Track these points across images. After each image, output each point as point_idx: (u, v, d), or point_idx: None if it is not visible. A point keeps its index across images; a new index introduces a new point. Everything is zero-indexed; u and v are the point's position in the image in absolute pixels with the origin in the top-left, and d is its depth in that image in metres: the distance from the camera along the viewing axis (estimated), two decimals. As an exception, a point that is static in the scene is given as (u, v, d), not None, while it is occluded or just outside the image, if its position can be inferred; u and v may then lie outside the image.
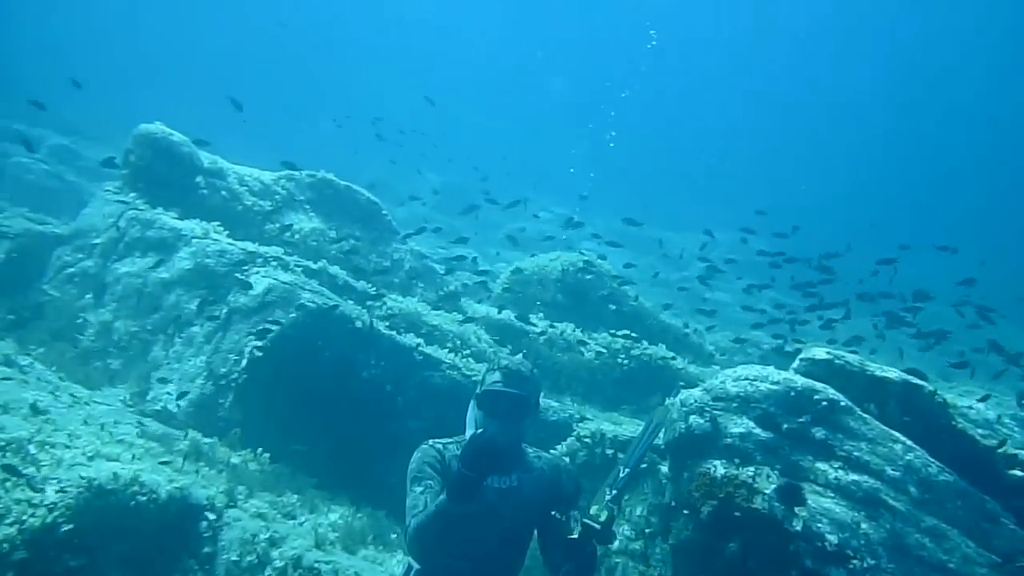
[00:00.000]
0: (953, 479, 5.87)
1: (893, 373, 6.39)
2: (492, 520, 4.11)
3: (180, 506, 6.66)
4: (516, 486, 4.27)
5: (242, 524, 6.73)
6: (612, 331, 12.63)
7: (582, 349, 12.07)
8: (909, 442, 5.96)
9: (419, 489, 4.06)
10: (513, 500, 4.17)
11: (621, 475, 4.32)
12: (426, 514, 3.84)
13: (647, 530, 7.03)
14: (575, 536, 3.86)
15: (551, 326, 12.31)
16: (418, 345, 9.55)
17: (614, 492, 4.14)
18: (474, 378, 9.49)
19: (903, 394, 6.32)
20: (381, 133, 23.38)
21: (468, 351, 10.29)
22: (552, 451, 8.78)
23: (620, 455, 7.99)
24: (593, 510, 4.00)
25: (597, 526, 3.87)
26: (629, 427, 9.01)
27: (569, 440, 8.68)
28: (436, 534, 3.85)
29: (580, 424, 8.91)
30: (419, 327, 10.36)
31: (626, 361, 11.98)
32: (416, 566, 4.24)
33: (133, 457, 6.95)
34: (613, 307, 14.27)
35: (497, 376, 4.28)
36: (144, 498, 6.40)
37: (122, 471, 6.47)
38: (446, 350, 9.94)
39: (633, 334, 12.48)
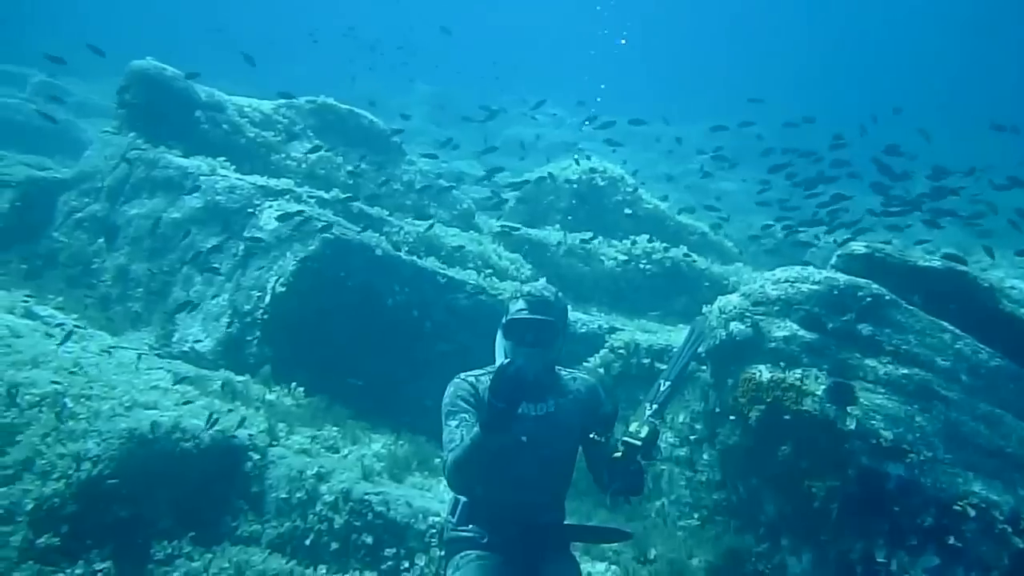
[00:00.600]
0: (1004, 363, 5.83)
1: (936, 262, 6.28)
2: (532, 447, 4.05)
3: (224, 448, 6.66)
4: (553, 411, 4.21)
5: (287, 461, 6.74)
6: (631, 236, 12.50)
7: (603, 257, 11.95)
8: (957, 330, 5.90)
9: (454, 423, 4.01)
10: (551, 426, 4.10)
11: (662, 388, 4.25)
12: (462, 447, 3.79)
13: (692, 437, 7.04)
14: (619, 455, 3.81)
15: (570, 236, 12.15)
16: (441, 268, 9.43)
17: (655, 406, 4.10)
18: (499, 297, 9.43)
19: (947, 282, 6.22)
20: (378, 52, 22.73)
21: (490, 270, 10.19)
22: (586, 362, 8.79)
23: (657, 364, 7.96)
24: (633, 427, 3.91)
25: (638, 443, 3.82)
26: (662, 335, 8.97)
27: (603, 352, 8.65)
28: (474, 467, 3.82)
29: (613, 335, 8.84)
30: (439, 249, 10.24)
31: (648, 266, 11.88)
32: (463, 498, 4.22)
33: (171, 403, 6.91)
34: (629, 211, 14.08)
35: (521, 304, 4.19)
36: (188, 444, 6.40)
37: (162, 418, 6.45)
38: (469, 270, 9.83)
39: (653, 237, 12.34)
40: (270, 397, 8.13)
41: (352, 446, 7.52)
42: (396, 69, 28.31)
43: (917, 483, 5.26)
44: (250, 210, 9.59)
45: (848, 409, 5.48)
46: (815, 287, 6.00)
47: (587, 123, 19.02)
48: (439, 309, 9.22)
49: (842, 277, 6.02)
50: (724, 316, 6.25)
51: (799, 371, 5.77)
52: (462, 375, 4.33)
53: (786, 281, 6.10)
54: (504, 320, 4.29)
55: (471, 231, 12.09)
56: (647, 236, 12.35)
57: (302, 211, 9.17)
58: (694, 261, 12.04)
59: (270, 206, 9.48)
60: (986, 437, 5.49)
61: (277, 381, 8.43)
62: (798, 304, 5.98)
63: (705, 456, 6.75)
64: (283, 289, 8.72)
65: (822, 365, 5.76)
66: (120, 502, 6.02)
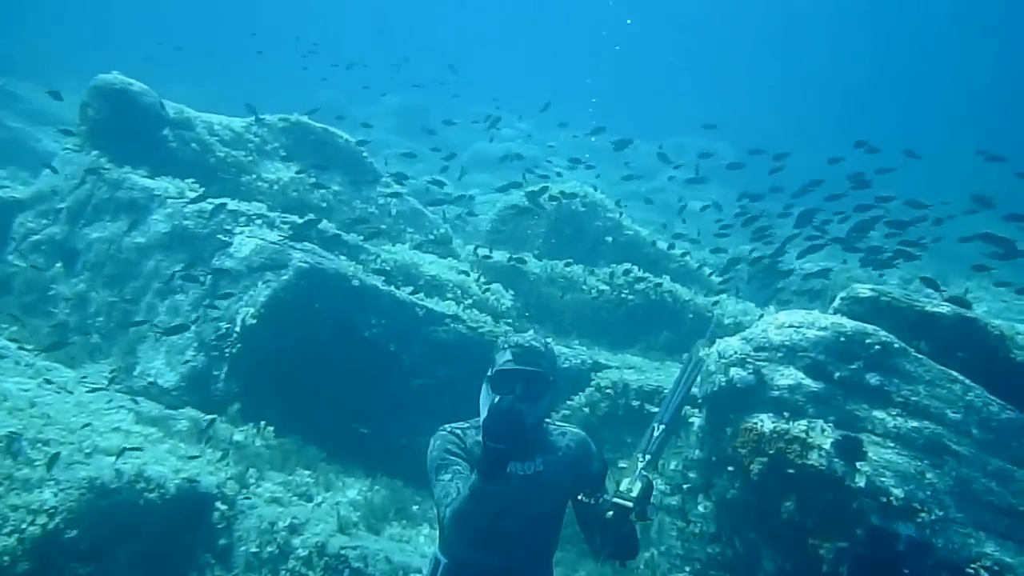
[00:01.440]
0: (1016, 415, 5.65)
1: (945, 307, 6.11)
2: (519, 508, 3.84)
3: (190, 498, 6.34)
4: (541, 470, 4.02)
5: (258, 512, 6.43)
6: (613, 264, 12.31)
7: (584, 287, 11.74)
8: (967, 380, 5.71)
9: (447, 476, 3.80)
10: (539, 485, 3.89)
11: (655, 435, 3.99)
12: (461, 499, 3.57)
13: (684, 485, 6.79)
14: (609, 517, 3.53)
15: (550, 264, 11.93)
16: (419, 299, 9.16)
17: (647, 457, 3.80)
18: (480, 330, 9.18)
19: (956, 329, 6.05)
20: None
21: (470, 300, 9.92)
22: (570, 400, 8.56)
23: (648, 406, 7.73)
24: (624, 484, 3.63)
25: (630, 504, 3.53)
26: (651, 374, 8.76)
27: (588, 390, 8.43)
28: (474, 518, 3.59)
29: (599, 373, 8.61)
30: (417, 279, 9.95)
31: (631, 296, 11.68)
32: (444, 560, 4.00)
33: (133, 448, 6.55)
34: (610, 239, 13.90)
35: (508, 355, 3.97)
36: (152, 495, 6.06)
37: (125, 467, 6.11)
38: (448, 301, 9.57)
39: (635, 267, 12.15)
40: (238, 437, 7.79)
41: (326, 493, 7.22)
42: (364, 80, 28.00)
43: (929, 544, 5.04)
44: (220, 236, 9.24)
45: (857, 465, 5.26)
46: (821, 333, 5.79)
47: (593, 137, 18.93)
48: (417, 342, 8.94)
49: (849, 323, 5.82)
50: (724, 361, 6.02)
51: (804, 422, 5.55)
52: (447, 427, 4.12)
53: (790, 326, 5.89)
54: (490, 372, 4.08)
55: (449, 257, 11.82)
56: (628, 265, 12.14)
57: (274, 239, 8.84)
58: (677, 292, 11.86)
59: (241, 232, 9.14)
60: (998, 495, 5.31)
61: (246, 418, 8.10)
62: (803, 351, 5.77)
63: (700, 507, 6.50)
64: (254, 321, 8.39)
65: (828, 416, 5.54)
66: (78, 559, 5.70)
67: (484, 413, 4.09)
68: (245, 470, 6.99)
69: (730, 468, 6.00)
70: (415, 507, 7.50)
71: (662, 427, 3.99)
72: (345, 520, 6.50)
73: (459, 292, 10.04)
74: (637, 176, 22.39)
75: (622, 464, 4.63)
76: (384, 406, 8.75)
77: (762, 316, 11.15)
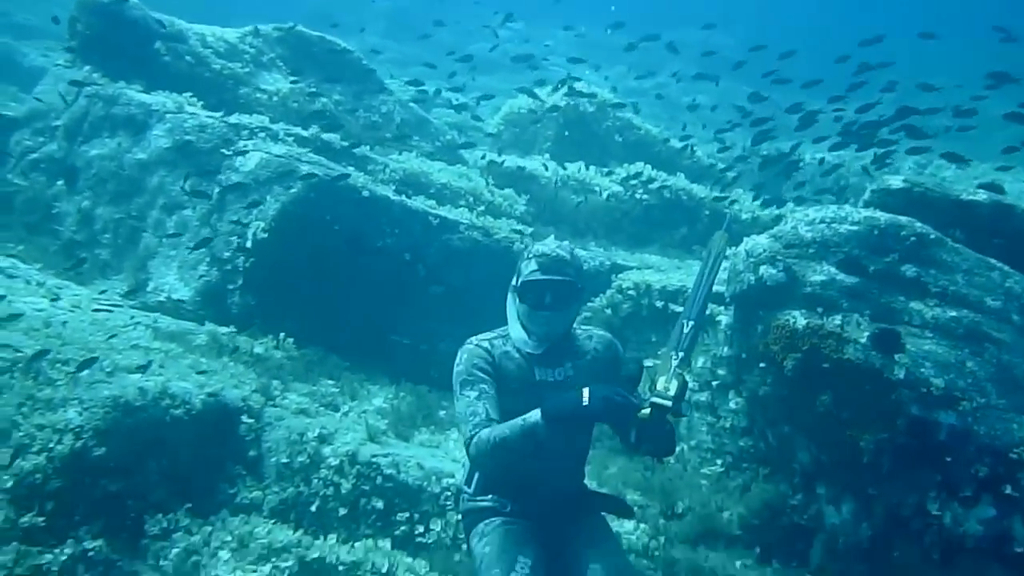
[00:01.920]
0: (1055, 301, 5.59)
1: (981, 195, 5.98)
2: None
3: (216, 411, 6.31)
4: (572, 375, 4.08)
5: (286, 423, 6.41)
6: (626, 164, 12.12)
7: (597, 188, 11.58)
8: (1006, 267, 5.64)
9: (473, 394, 3.82)
10: (571, 389, 3.88)
11: (685, 331, 3.93)
12: (514, 432, 3.58)
13: (713, 382, 6.80)
14: (645, 415, 3.50)
15: (561, 167, 11.75)
16: (431, 208, 9.02)
17: (680, 355, 3.75)
18: (495, 236, 9.07)
19: (992, 215, 5.95)
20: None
21: (483, 206, 9.79)
22: (591, 302, 8.50)
23: (672, 306, 7.67)
24: (661, 383, 3.58)
25: (668, 403, 3.49)
26: (671, 274, 8.65)
27: (610, 292, 8.36)
28: (522, 453, 3.63)
29: (620, 275, 8.53)
30: (427, 187, 9.80)
31: (646, 196, 11.54)
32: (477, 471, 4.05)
33: (155, 363, 6.51)
34: (619, 138, 13.68)
35: (534, 265, 3.98)
36: (178, 411, 6.03)
37: (148, 384, 6.07)
38: (461, 208, 9.44)
39: (647, 166, 11.96)
40: (258, 350, 7.76)
41: (352, 402, 7.22)
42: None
43: (970, 431, 5.04)
44: (223, 150, 9.05)
45: (895, 357, 5.22)
46: (854, 227, 5.68)
47: (609, 30, 18.50)
48: (432, 251, 8.84)
49: (883, 216, 5.70)
50: (752, 259, 5.93)
51: (839, 317, 5.49)
52: (475, 340, 4.12)
53: (822, 222, 5.76)
54: (516, 282, 4.05)
55: (457, 164, 11.63)
56: (641, 165, 11.95)
57: (280, 152, 8.66)
58: (692, 190, 11.70)
59: (245, 145, 8.95)
60: (1041, 380, 5.29)
61: (264, 331, 8.07)
62: (836, 246, 5.66)
63: (731, 403, 6.51)
64: (265, 235, 8.27)
65: (864, 310, 5.48)
66: (108, 475, 5.67)
67: (512, 320, 4.07)
68: (269, 382, 6.97)
69: (762, 364, 5.98)
70: (442, 412, 7.52)
71: (691, 323, 3.92)
72: (374, 428, 6.50)
73: (471, 199, 9.90)
74: (642, 75, 22.06)
75: (648, 363, 4.59)
76: (402, 314, 8.72)
77: (778, 209, 11.13)
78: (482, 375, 3.89)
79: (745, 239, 6.18)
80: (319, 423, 6.43)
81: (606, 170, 11.98)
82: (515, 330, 4.08)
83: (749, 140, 13.67)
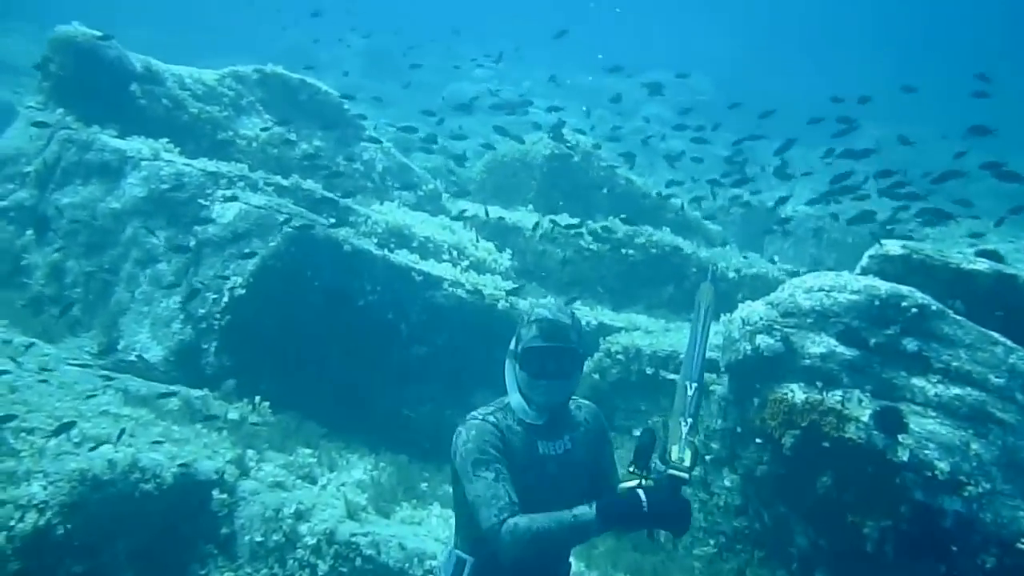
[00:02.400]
0: (1060, 379, 5.50)
1: (982, 264, 5.92)
2: (554, 491, 3.65)
3: (188, 486, 6.10)
4: (571, 448, 3.85)
5: (261, 498, 6.20)
6: (611, 218, 12.04)
7: (582, 243, 11.50)
8: (1009, 342, 5.55)
9: (490, 475, 3.54)
10: (571, 464, 3.74)
11: (690, 394, 3.75)
12: (559, 526, 3.32)
13: (707, 456, 6.64)
14: (651, 486, 3.29)
15: (546, 219, 11.65)
16: (415, 263, 8.89)
17: (690, 420, 3.49)
18: (480, 293, 8.93)
19: (994, 287, 5.87)
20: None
21: (467, 262, 9.66)
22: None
23: (662, 372, 7.54)
24: (675, 453, 3.33)
25: (685, 475, 3.26)
26: (661, 337, 8.53)
27: (598, 356, 8.22)
28: (563, 546, 3.51)
29: (609, 338, 8.40)
30: (410, 240, 9.66)
31: (631, 251, 11.45)
32: (470, 559, 3.81)
33: (125, 432, 6.29)
34: (605, 190, 13.63)
35: (535, 330, 3.71)
36: (148, 485, 5.82)
37: (117, 456, 5.85)
38: (444, 263, 9.31)
39: (634, 220, 11.89)
40: (233, 416, 7.55)
41: (330, 473, 7.01)
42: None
43: (976, 519, 4.93)
44: (201, 200, 8.89)
45: (900, 438, 5.11)
46: (854, 297, 5.59)
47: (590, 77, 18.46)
48: (415, 309, 8.70)
49: (883, 285, 5.62)
50: (749, 328, 5.83)
51: (839, 393, 5.39)
52: (479, 415, 3.86)
53: (820, 290, 5.68)
54: (516, 348, 3.85)
55: (440, 215, 11.52)
56: (625, 217, 11.87)
57: (260, 202, 8.51)
58: (679, 245, 11.64)
59: (223, 196, 8.79)
60: (1046, 464, 5.18)
61: (240, 394, 7.86)
62: (835, 316, 5.57)
63: (726, 481, 6.36)
64: (243, 291, 8.11)
65: (865, 386, 5.38)
66: (73, 555, 5.47)
67: (511, 389, 3.90)
68: (244, 452, 6.75)
69: (758, 440, 5.86)
70: (424, 485, 7.32)
71: (695, 385, 3.67)
72: (353, 504, 6.29)
73: (455, 253, 9.78)
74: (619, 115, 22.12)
75: (637, 432, 4.43)
76: (384, 376, 8.55)
77: (769, 264, 11.09)
78: (495, 453, 3.66)
79: (740, 305, 6.08)
80: (296, 498, 6.23)
81: (592, 222, 11.89)
82: (515, 399, 3.88)
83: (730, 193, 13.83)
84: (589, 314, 9.65)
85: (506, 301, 8.93)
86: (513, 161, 13.96)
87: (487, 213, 11.30)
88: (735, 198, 15.91)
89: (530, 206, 12.56)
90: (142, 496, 5.78)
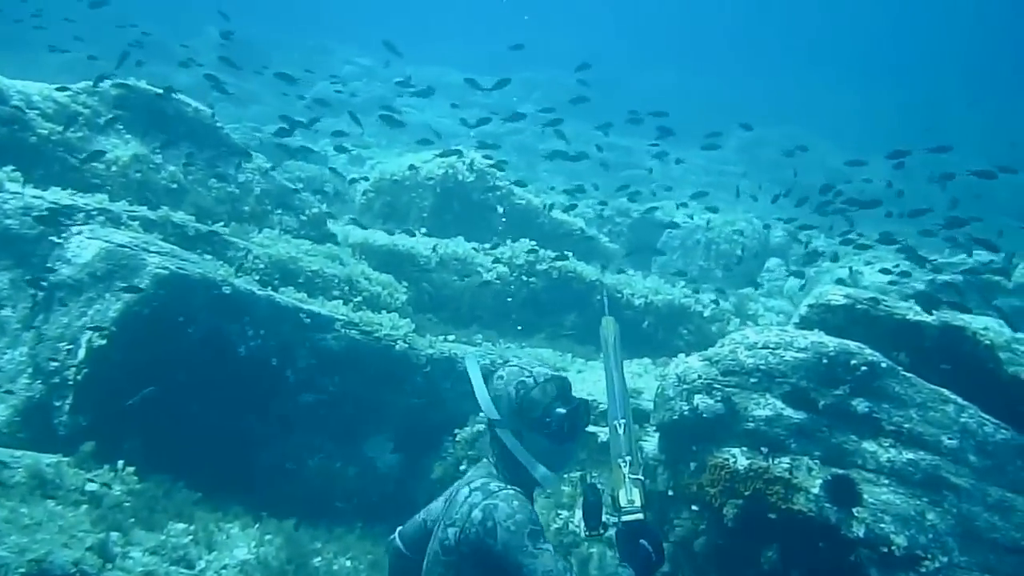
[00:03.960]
0: (1010, 435, 5.34)
1: (930, 317, 5.69)
2: None
3: (40, 588, 5.29)
4: None
5: (130, 596, 5.45)
6: (509, 241, 11.62)
7: (480, 270, 11.02)
8: (959, 399, 5.33)
9: (549, 547, 3.20)
10: None
11: (621, 432, 3.52)
12: None
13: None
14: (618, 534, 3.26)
15: (441, 245, 11.13)
16: (302, 302, 8.22)
17: (628, 459, 3.41)
18: (375, 334, 8.32)
19: (941, 339, 5.66)
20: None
21: (359, 297, 9.03)
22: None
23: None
24: (623, 497, 3.27)
25: (640, 515, 3.26)
26: (575, 379, 8.08)
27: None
28: None
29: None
30: (296, 275, 8.95)
31: (532, 279, 11.05)
32: None
33: (-41, 524, 5.44)
34: (501, 209, 13.20)
35: (554, 392, 3.47)
36: (-11, 595, 4.99)
37: (-51, 559, 5.01)
38: (335, 300, 8.65)
39: (534, 243, 11.50)
40: (91, 487, 6.71)
41: (208, 555, 6.28)
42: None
43: (935, 597, 4.65)
44: (53, 237, 7.99)
45: (853, 510, 4.79)
46: (800, 355, 5.28)
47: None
48: (303, 353, 8.02)
49: (831, 342, 5.32)
50: (685, 387, 5.44)
51: (786, 459, 5.05)
52: (499, 484, 3.43)
53: (764, 347, 5.34)
54: (535, 416, 3.43)
55: (327, 243, 10.83)
56: (527, 243, 11.47)
57: (123, 240, 7.69)
58: (582, 272, 11.30)
59: (79, 232, 7.91)
60: (1002, 530, 4.96)
61: (99, 459, 7.03)
62: (782, 376, 5.24)
63: (657, 548, 5.95)
64: (103, 341, 7.27)
65: (813, 451, 5.07)
66: None
67: (531, 463, 3.49)
68: (107, 535, 5.96)
69: (694, 507, 5.49)
70: (317, 560, 6.66)
71: (623, 422, 3.55)
72: (239, 595, 5.61)
73: (346, 288, 9.12)
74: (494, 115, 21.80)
75: (606, 484, 4.13)
76: (266, 429, 7.86)
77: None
78: (541, 523, 3.36)
79: (675, 361, 5.69)
80: (173, 592, 5.50)
81: (488, 246, 11.43)
82: (541, 471, 3.43)
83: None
84: (493, 351, 9.16)
85: (404, 342, 8.36)
86: (403, 181, 13.36)
87: (372, 239, 10.70)
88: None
89: (423, 228, 11.98)
90: (-19, 610, 4.96)
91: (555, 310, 11.01)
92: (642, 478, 3.33)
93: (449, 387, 8.52)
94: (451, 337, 9.21)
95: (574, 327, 10.85)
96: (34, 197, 8.39)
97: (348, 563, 6.77)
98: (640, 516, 3.21)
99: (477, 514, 3.16)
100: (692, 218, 17.88)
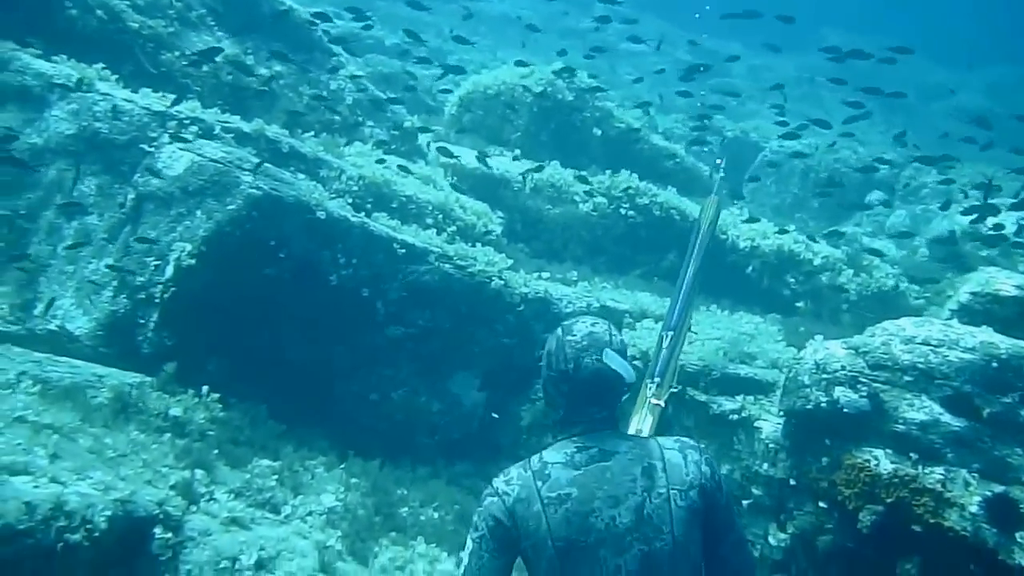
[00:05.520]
0: None
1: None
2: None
3: (124, 529, 5.10)
4: None
5: (214, 541, 5.26)
6: (608, 171, 11.04)
7: (576, 199, 10.51)
8: None
9: None
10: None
11: (664, 345, 3.52)
12: None
13: (744, 500, 5.84)
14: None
15: (536, 170, 10.60)
16: (396, 231, 7.84)
17: (656, 381, 3.37)
18: (469, 269, 7.94)
19: None
20: None
21: (453, 227, 8.62)
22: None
23: (691, 391, 6.65)
24: (633, 424, 3.18)
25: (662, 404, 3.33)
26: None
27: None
28: None
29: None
30: (389, 200, 8.55)
31: (631, 212, 10.50)
32: None
33: (47, 454, 5.25)
34: (599, 132, 12.55)
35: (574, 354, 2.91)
36: (76, 535, 4.81)
37: (39, 495, 4.82)
38: (428, 230, 8.25)
39: (634, 175, 10.90)
40: (175, 411, 6.54)
41: (295, 499, 6.06)
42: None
43: (1103, 640, 4.20)
44: (144, 145, 7.67)
45: (1016, 535, 4.32)
46: (967, 356, 4.74)
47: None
48: (395, 287, 7.68)
49: (1004, 342, 4.77)
50: (825, 376, 4.95)
51: (940, 470, 4.57)
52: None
53: (925, 343, 4.80)
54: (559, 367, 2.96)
55: (418, 160, 10.38)
56: (626, 174, 10.86)
57: (217, 155, 7.34)
58: (684, 208, 10.70)
59: (172, 142, 7.57)
60: None
61: (182, 381, 6.84)
62: (944, 378, 4.72)
63: (771, 539, 5.56)
64: (192, 261, 6.99)
65: (972, 464, 4.57)
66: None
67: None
68: (192, 473, 5.77)
69: (821, 504, 5.05)
70: (404, 510, 6.43)
71: (669, 335, 3.54)
72: (326, 549, 5.39)
73: (440, 216, 8.71)
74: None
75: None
76: (353, 360, 7.61)
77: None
78: None
79: (812, 344, 5.18)
80: (256, 541, 5.31)
81: (585, 175, 10.88)
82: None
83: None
84: (590, 294, 8.71)
85: (500, 279, 7.96)
86: (496, 95, 12.74)
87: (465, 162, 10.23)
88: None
89: (517, 151, 11.44)
90: (66, 550, 4.78)
91: (654, 248, 10.47)
92: (663, 404, 3.23)
93: (542, 329, 8.12)
94: (545, 274, 8.80)
95: (671, 267, 10.31)
96: (125, 100, 8.04)
97: (435, 514, 6.52)
98: (662, 404, 3.26)
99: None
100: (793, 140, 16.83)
